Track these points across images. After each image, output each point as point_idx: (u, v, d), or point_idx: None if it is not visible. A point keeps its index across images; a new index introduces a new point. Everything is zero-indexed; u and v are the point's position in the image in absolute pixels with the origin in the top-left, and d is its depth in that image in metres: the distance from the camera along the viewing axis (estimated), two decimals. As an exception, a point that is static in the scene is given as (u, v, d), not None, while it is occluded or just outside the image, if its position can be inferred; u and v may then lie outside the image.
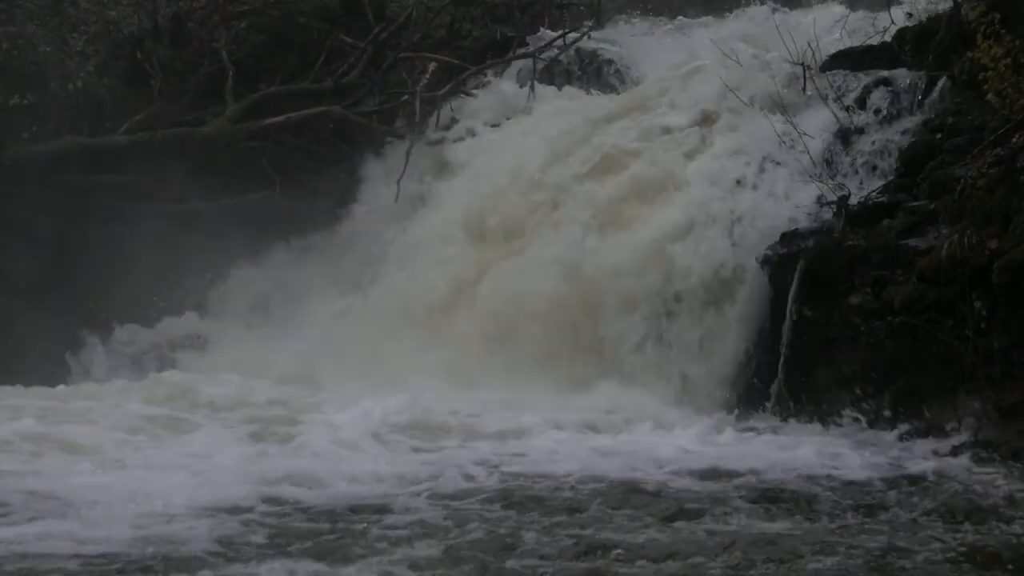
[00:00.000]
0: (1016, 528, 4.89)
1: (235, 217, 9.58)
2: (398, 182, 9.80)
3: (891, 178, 8.01)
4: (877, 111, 8.59)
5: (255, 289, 9.68)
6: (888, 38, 9.25)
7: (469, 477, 5.71)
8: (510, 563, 4.30)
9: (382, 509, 5.07)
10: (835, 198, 7.88)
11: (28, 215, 8.95)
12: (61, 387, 8.13)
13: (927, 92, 8.40)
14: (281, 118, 10.33)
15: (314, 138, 10.56)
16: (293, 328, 9.18)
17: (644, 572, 4.22)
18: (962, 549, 4.51)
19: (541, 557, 4.37)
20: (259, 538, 4.58)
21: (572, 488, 5.44)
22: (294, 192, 10.13)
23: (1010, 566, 4.31)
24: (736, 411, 7.50)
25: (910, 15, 9.39)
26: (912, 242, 7.38)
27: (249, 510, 5.06)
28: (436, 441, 6.64)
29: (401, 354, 8.48)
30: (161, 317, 9.33)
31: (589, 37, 11.35)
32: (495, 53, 11.46)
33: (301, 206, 10.10)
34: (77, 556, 4.36)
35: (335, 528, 4.79)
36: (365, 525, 4.78)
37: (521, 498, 5.28)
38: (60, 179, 9.53)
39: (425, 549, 4.42)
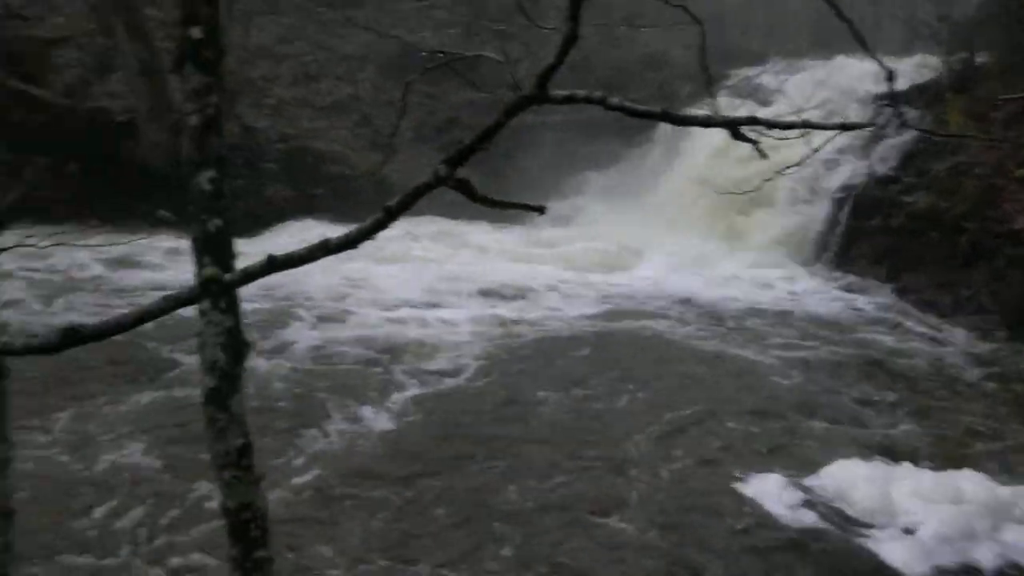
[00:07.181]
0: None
1: (592, 159, 13.62)
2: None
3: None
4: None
5: (598, 185, 13.60)
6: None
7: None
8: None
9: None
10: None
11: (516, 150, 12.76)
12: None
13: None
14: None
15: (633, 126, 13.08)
16: (620, 206, 12.58)
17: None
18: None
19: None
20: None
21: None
22: (619, 145, 13.71)
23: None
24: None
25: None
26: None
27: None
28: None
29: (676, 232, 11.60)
30: (550, 197, 12.25)
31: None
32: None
33: (621, 152, 13.97)
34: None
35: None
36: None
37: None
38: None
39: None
